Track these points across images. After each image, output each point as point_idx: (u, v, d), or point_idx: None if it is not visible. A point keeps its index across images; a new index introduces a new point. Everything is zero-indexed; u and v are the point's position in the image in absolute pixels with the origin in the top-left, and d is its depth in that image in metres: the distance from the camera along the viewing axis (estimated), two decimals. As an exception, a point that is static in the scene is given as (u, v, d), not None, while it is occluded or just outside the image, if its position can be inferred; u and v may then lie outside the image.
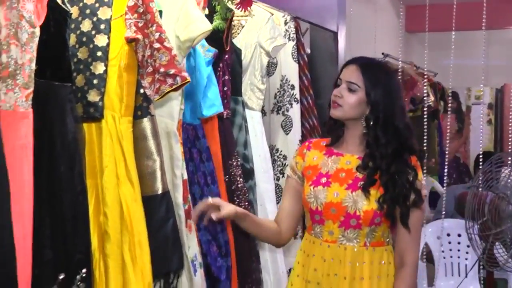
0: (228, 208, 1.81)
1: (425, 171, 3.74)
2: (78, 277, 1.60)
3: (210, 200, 1.81)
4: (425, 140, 3.61)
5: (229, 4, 2.21)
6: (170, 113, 2.03)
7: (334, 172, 1.82)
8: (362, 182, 1.80)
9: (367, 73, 1.81)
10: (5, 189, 1.42)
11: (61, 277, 1.57)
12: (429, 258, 3.91)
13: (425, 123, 3.58)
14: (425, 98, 4.65)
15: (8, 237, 1.41)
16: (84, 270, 1.61)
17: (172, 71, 1.72)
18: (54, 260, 1.57)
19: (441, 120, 6.01)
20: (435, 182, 6.04)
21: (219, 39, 2.24)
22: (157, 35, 1.72)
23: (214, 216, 1.75)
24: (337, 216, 1.78)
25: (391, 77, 1.90)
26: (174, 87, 1.74)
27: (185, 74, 1.75)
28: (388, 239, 1.85)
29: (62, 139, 1.61)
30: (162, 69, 1.71)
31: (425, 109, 4.43)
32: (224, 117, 2.42)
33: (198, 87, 2.14)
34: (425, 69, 4.43)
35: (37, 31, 1.49)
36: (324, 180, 1.82)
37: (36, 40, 1.49)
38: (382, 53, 5.15)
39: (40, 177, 1.55)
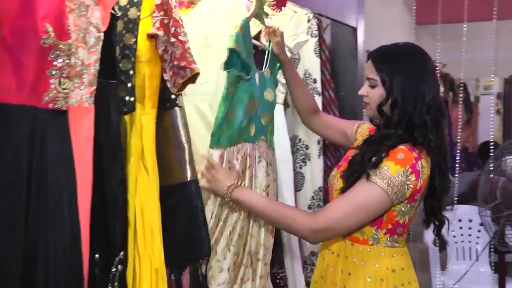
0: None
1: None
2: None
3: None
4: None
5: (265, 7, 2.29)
6: None
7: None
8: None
9: (380, 64, 1.77)
10: (73, 177, 1.50)
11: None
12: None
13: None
14: (434, 89, 4.71)
15: (76, 219, 1.51)
16: (122, 253, 1.66)
17: (182, 64, 1.70)
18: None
19: (450, 111, 6.09)
20: (445, 171, 6.14)
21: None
22: (172, 29, 1.69)
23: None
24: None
25: (408, 60, 1.78)
26: (185, 79, 1.72)
27: (195, 66, 1.71)
28: (373, 241, 1.76)
29: (107, 131, 1.65)
30: (176, 62, 1.70)
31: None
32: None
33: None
34: (435, 61, 4.53)
35: (102, 35, 1.60)
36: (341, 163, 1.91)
37: (101, 43, 1.60)
38: (394, 46, 5.25)
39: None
